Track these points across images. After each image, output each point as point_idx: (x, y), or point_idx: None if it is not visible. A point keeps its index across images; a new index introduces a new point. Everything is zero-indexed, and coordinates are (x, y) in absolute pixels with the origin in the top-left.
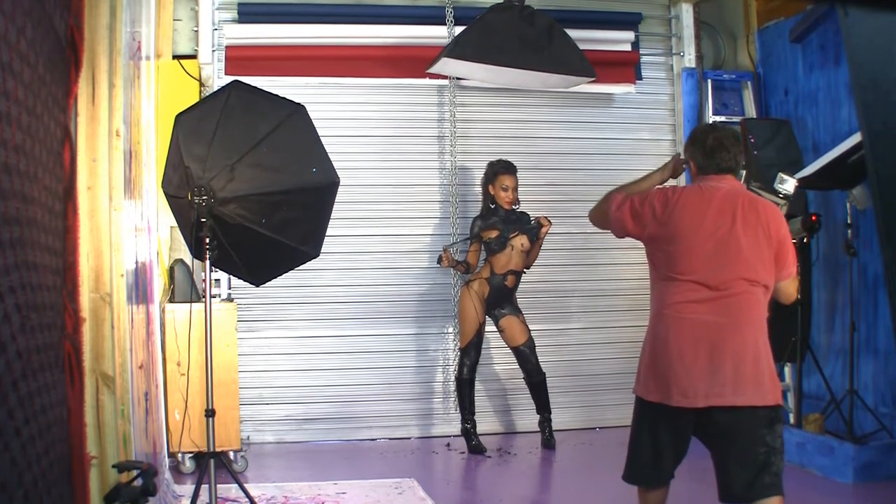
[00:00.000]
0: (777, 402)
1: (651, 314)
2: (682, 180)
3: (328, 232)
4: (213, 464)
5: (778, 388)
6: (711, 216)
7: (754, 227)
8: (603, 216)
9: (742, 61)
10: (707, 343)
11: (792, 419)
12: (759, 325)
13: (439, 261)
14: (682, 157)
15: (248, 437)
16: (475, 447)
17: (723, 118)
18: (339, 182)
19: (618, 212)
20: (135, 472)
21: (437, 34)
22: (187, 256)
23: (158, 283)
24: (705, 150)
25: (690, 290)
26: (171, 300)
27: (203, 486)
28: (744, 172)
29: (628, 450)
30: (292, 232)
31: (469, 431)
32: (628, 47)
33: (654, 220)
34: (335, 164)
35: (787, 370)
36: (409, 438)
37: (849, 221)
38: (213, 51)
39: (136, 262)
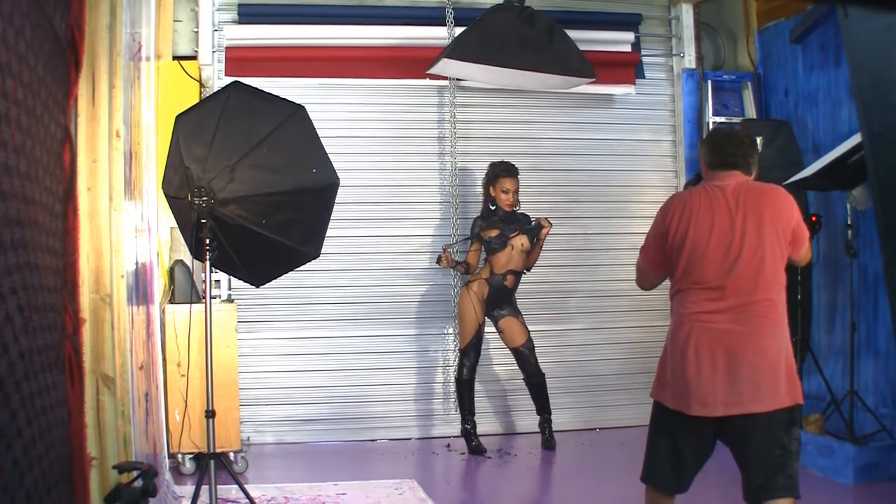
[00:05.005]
0: (796, 402)
1: (671, 322)
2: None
3: (328, 233)
4: (213, 464)
5: (797, 387)
6: (721, 219)
7: (766, 222)
8: (639, 274)
9: (742, 62)
10: (725, 352)
11: None
12: (779, 328)
13: (438, 261)
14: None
15: (248, 438)
16: (475, 448)
17: (723, 119)
18: (339, 182)
19: (642, 260)
20: (135, 473)
21: (438, 35)
22: (187, 257)
23: (159, 284)
24: (715, 144)
25: (708, 298)
26: (172, 301)
27: (203, 486)
28: None
29: (646, 452)
30: (292, 233)
31: (469, 432)
32: (628, 48)
33: (666, 239)
34: (335, 165)
35: None
36: (409, 439)
37: (849, 222)
38: (214, 52)
39: (137, 263)
